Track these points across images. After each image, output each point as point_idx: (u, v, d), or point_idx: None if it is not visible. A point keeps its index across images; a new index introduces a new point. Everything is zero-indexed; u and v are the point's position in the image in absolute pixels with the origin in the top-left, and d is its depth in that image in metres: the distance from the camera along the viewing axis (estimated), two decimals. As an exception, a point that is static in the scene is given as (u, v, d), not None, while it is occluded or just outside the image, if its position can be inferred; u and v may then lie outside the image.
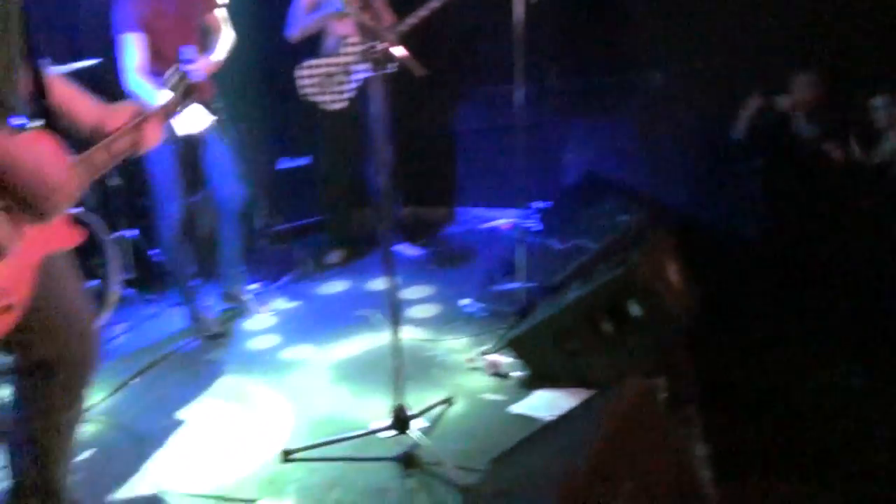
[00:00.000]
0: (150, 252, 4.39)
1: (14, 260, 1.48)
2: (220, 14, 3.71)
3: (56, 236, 1.64)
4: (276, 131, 5.40)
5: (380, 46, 2.00)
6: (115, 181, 4.22)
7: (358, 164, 4.92)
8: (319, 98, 4.49)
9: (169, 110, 2.00)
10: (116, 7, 3.40)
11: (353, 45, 4.41)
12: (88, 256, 3.89)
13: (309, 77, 4.45)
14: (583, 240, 3.71)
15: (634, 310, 2.81)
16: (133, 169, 4.41)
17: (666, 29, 4.82)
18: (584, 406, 2.34)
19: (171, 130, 3.40)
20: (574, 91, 5.32)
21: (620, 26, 5.00)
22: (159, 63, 3.37)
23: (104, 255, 3.90)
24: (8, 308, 1.50)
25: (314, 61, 4.46)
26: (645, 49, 4.92)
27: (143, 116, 1.90)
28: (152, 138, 1.90)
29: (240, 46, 3.86)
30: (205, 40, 3.70)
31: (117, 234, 4.28)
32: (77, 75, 3.76)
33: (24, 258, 1.51)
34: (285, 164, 5.34)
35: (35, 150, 1.52)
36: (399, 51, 2.01)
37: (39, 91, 1.63)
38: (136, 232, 4.36)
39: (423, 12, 4.12)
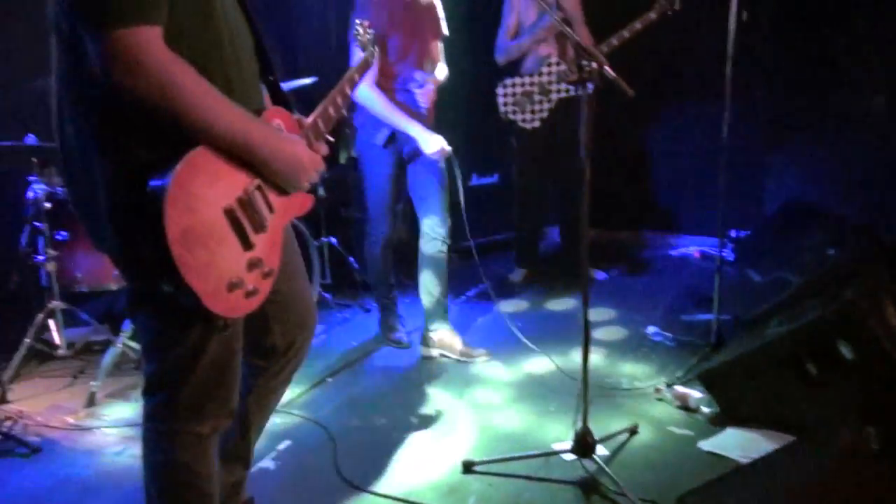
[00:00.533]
0: (348, 259, 4.66)
1: (269, 231, 1.65)
2: (440, 46, 3.68)
3: (294, 204, 1.80)
4: (468, 148, 5.53)
5: (589, 66, 2.01)
6: (321, 192, 4.52)
7: (549, 185, 4.95)
8: (517, 117, 4.56)
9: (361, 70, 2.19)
10: (352, 21, 3.49)
11: (553, 64, 4.46)
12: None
13: (508, 95, 4.54)
14: (785, 272, 3.49)
15: (846, 351, 2.60)
16: (337, 180, 4.74)
17: (891, 51, 4.46)
18: (786, 452, 2.21)
19: (395, 153, 3.57)
20: (782, 113, 5.03)
21: (839, 45, 4.67)
22: (385, 81, 3.46)
23: (308, 260, 4.20)
24: (269, 274, 1.65)
25: (514, 80, 4.55)
26: (867, 71, 4.57)
27: (349, 74, 2.10)
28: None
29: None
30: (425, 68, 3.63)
31: (322, 240, 4.60)
32: (295, 93, 4.09)
33: (275, 227, 1.69)
34: (475, 181, 5.47)
35: (278, 131, 1.71)
36: (609, 70, 2.02)
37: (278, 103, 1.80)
38: (334, 239, 4.66)
39: (626, 33, 4.08)
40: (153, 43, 1.38)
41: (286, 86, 4.11)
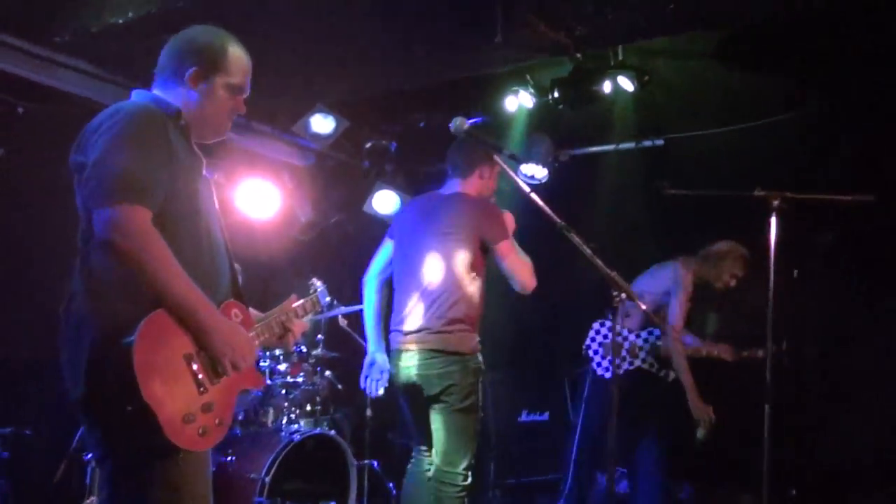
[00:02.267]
0: (387, 485, 4.64)
1: (223, 385, 1.96)
2: (500, 252, 3.36)
3: (248, 376, 2.10)
4: (519, 383, 5.63)
5: (619, 296, 2.18)
6: (368, 412, 4.64)
7: (605, 431, 4.85)
8: (596, 357, 4.47)
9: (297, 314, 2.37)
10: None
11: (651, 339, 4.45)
12: (333, 478, 4.23)
13: (600, 335, 4.49)
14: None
15: None
16: (386, 402, 4.86)
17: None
18: None
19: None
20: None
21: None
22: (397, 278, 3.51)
23: (346, 480, 4.21)
24: (220, 423, 1.94)
25: (601, 326, 4.51)
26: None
27: (292, 311, 2.33)
28: (297, 331, 2.32)
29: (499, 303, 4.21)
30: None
31: (363, 462, 4.63)
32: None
33: (229, 385, 1.99)
34: (525, 417, 5.50)
35: (231, 322, 2.05)
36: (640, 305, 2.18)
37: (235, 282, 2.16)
38: (376, 463, 4.66)
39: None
40: (143, 220, 1.82)
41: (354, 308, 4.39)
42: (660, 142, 5.08)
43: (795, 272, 4.39)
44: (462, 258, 3.31)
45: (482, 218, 3.35)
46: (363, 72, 4.45)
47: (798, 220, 3.53)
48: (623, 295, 2.20)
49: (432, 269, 3.35)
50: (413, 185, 5.77)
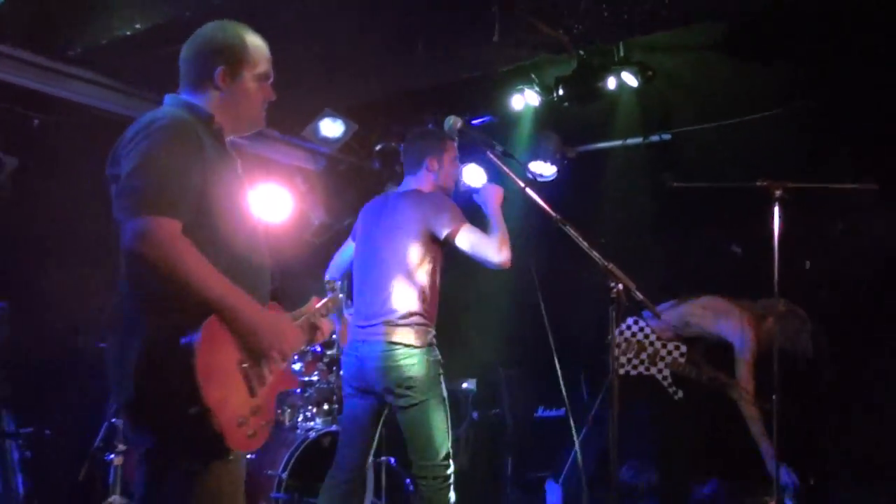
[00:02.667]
0: (405, 481, 4.71)
1: (267, 388, 2.02)
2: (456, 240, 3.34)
3: (284, 378, 2.17)
4: (535, 379, 5.67)
5: (616, 287, 2.24)
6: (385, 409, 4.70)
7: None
8: (620, 356, 4.43)
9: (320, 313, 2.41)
10: None
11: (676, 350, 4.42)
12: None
13: (625, 332, 4.48)
14: None
15: None
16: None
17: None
18: None
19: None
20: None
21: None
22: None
23: (362, 479, 4.28)
24: (267, 423, 2.01)
25: (641, 324, 4.48)
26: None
27: (317, 310, 2.37)
28: (326, 329, 2.36)
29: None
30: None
31: (381, 458, 4.70)
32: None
33: (271, 386, 2.05)
34: (542, 413, 5.55)
35: (275, 314, 2.13)
36: (636, 293, 2.24)
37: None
38: (393, 459, 4.74)
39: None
40: (170, 231, 1.84)
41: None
42: (667, 136, 5.12)
43: (807, 263, 4.41)
44: (412, 252, 3.31)
45: (427, 211, 3.33)
46: (367, 76, 4.53)
47: (808, 211, 3.57)
48: (620, 286, 2.26)
49: (385, 265, 3.37)
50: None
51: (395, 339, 3.27)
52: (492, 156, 2.91)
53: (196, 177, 1.93)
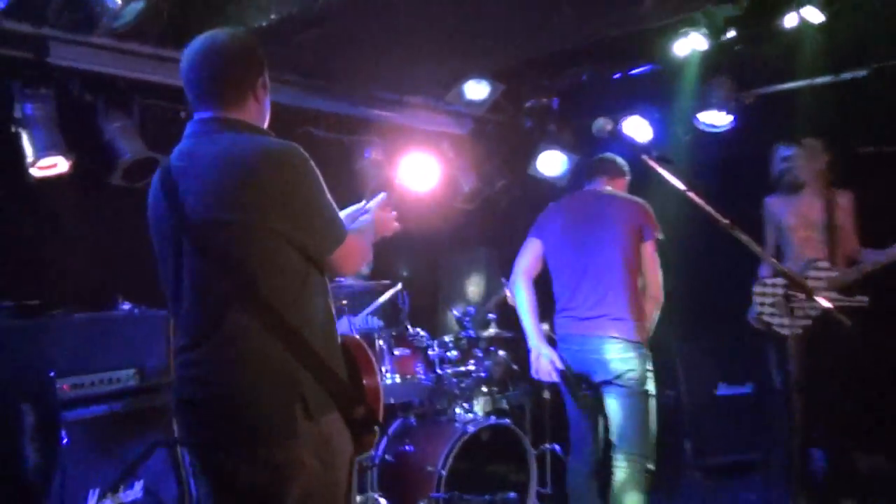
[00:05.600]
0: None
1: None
2: (648, 249, 3.74)
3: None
4: (716, 354, 5.45)
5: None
6: (546, 394, 4.72)
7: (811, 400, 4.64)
8: (774, 320, 4.30)
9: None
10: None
11: (823, 269, 4.28)
12: (512, 466, 4.37)
13: (766, 296, 4.32)
14: None
15: None
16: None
17: None
18: None
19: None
20: None
21: None
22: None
23: (527, 468, 4.34)
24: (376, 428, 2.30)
25: (775, 280, 4.26)
26: None
27: None
28: None
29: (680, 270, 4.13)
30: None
31: (544, 447, 4.73)
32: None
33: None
34: (724, 391, 5.33)
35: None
36: (821, 301, 2.06)
37: None
38: (558, 447, 4.74)
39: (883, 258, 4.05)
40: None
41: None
42: (862, 73, 4.66)
43: None
44: (629, 251, 3.66)
45: (636, 213, 3.76)
46: (513, 38, 4.43)
47: None
48: (803, 296, 2.09)
49: (604, 261, 3.69)
50: (581, 142, 5.67)
51: (623, 334, 3.58)
52: (649, 161, 2.77)
53: None
